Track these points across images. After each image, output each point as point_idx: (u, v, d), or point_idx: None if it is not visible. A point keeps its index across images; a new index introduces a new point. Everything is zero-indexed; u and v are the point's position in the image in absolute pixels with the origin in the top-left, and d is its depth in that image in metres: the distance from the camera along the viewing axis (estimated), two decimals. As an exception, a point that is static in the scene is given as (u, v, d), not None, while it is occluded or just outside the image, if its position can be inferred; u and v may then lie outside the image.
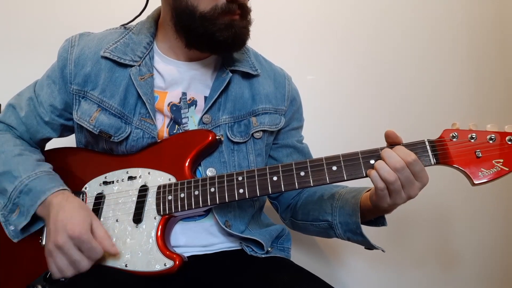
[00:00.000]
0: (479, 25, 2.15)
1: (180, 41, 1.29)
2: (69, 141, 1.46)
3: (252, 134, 1.34)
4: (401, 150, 1.06)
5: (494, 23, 2.15)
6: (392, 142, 1.10)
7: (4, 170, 1.23)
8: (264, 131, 1.36)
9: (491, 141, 1.03)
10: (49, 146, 1.45)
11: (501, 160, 1.01)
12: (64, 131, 1.40)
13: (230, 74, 1.34)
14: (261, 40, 1.56)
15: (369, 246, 1.28)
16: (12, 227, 1.21)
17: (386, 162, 1.05)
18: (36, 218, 1.20)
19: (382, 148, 1.09)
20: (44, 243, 1.25)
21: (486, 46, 2.14)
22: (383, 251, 1.27)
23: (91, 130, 1.27)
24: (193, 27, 1.22)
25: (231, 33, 1.21)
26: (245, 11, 1.25)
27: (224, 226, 1.25)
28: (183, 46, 1.29)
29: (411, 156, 1.05)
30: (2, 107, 1.40)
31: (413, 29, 2.12)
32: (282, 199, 1.51)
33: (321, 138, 1.93)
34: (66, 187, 1.22)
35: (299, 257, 1.87)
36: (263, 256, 1.29)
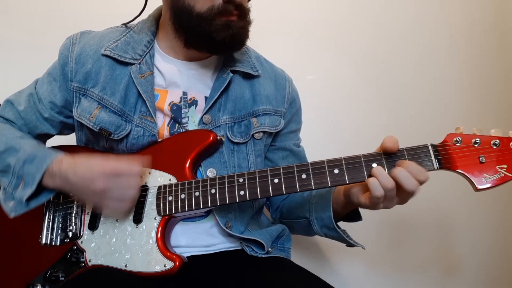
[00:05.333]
0: (479, 25, 2.14)
1: (179, 41, 1.29)
2: (70, 139, 1.46)
3: (252, 135, 1.34)
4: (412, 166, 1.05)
5: (494, 23, 2.15)
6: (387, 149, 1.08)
7: (6, 147, 1.24)
8: (264, 132, 1.36)
9: (495, 146, 1.02)
10: (49, 143, 1.44)
11: (505, 166, 1.00)
12: (63, 128, 1.40)
13: (231, 74, 1.34)
14: (261, 40, 1.55)
15: (348, 242, 1.29)
16: (11, 203, 1.19)
17: (379, 179, 1.04)
18: (41, 191, 1.20)
19: (381, 156, 1.08)
20: (44, 242, 1.26)
21: (484, 43, 2.14)
22: (363, 248, 1.28)
23: (91, 127, 1.27)
24: (191, 27, 1.22)
25: (228, 34, 1.21)
26: (242, 12, 1.23)
27: (224, 227, 1.25)
28: (182, 45, 1.29)
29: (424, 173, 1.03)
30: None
31: (413, 29, 2.11)
32: (274, 200, 1.52)
33: (320, 138, 1.94)
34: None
35: (299, 257, 1.87)
36: (263, 256, 1.28)
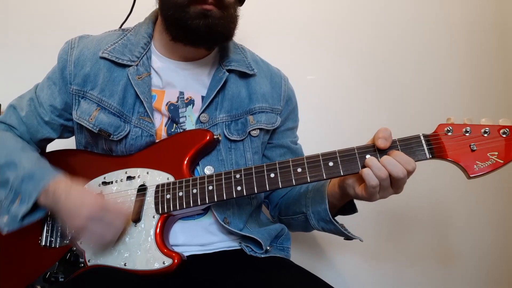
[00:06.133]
0: (479, 25, 2.14)
1: (168, 35, 1.30)
2: (69, 143, 1.47)
3: (249, 132, 1.35)
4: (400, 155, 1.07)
5: (494, 23, 2.14)
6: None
7: (7, 161, 1.24)
8: (261, 129, 1.37)
9: (485, 134, 1.03)
10: (49, 148, 1.46)
11: (496, 153, 1.01)
12: (64, 131, 1.41)
13: (227, 74, 1.35)
14: (261, 40, 1.55)
15: (345, 235, 1.30)
16: (5, 218, 1.19)
17: (372, 169, 1.06)
18: (35, 208, 1.20)
19: (374, 147, 1.10)
20: (43, 244, 1.27)
21: (484, 43, 2.13)
22: (361, 240, 1.28)
23: (90, 128, 1.28)
24: (173, 17, 1.25)
25: (204, 23, 1.21)
26: (220, 2, 1.23)
27: (223, 223, 1.25)
28: (170, 39, 1.30)
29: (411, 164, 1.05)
30: (3, 108, 1.41)
31: (411, 27, 2.11)
32: (272, 198, 1.52)
33: (320, 138, 1.94)
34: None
35: (299, 257, 1.86)
36: (262, 256, 1.28)
